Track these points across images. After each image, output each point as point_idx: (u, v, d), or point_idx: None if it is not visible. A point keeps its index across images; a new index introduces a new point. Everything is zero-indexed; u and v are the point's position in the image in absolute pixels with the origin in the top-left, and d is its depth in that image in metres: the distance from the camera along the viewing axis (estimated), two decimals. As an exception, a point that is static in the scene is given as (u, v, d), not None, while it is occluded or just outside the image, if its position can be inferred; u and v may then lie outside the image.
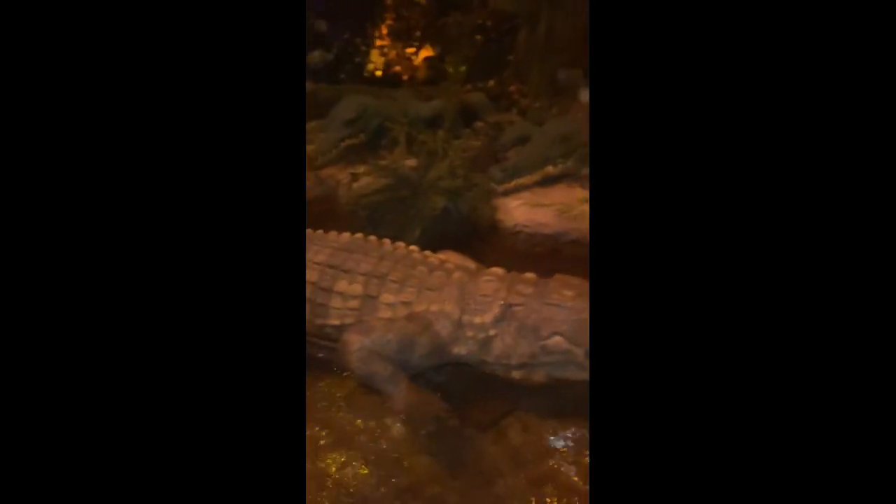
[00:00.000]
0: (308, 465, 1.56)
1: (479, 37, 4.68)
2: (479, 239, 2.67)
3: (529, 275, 1.85)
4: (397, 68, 5.56)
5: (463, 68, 4.69)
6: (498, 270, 1.90)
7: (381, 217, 2.65)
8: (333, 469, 1.60)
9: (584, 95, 3.96)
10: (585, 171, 2.95)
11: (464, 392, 1.86)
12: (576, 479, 1.62)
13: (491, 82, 4.30)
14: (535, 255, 2.61)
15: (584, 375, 1.71)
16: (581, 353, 1.69)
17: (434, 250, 2.11)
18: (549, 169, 2.89)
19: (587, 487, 1.59)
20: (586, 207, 2.65)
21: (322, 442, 1.67)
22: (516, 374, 1.79)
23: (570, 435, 1.75)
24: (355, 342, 1.75)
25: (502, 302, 1.76)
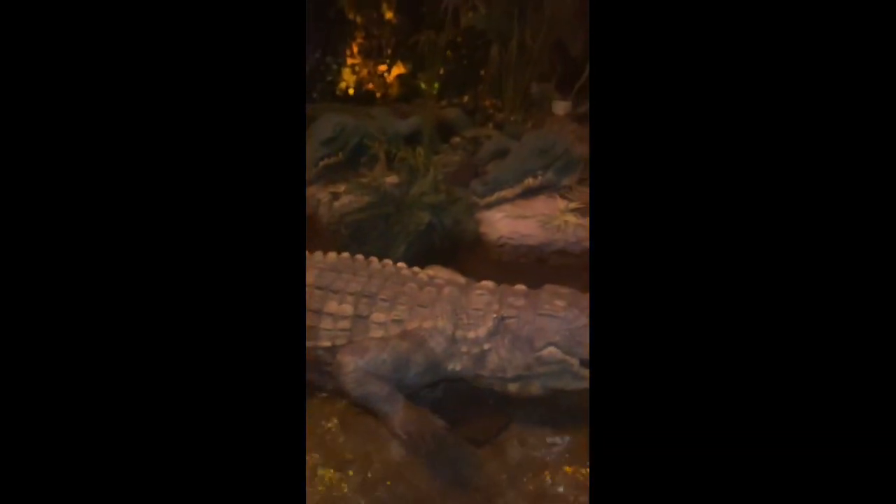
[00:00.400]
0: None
1: (449, 52, 4.75)
2: (464, 252, 2.68)
3: (520, 286, 1.86)
4: (370, 86, 5.59)
5: (436, 84, 4.75)
6: (488, 284, 1.90)
7: (365, 235, 2.63)
8: (330, 491, 1.56)
9: (558, 108, 4.07)
10: (565, 181, 3.01)
11: (460, 408, 1.84)
12: (574, 491, 1.62)
13: (465, 98, 4.36)
14: (521, 266, 2.63)
15: (580, 385, 1.73)
16: (576, 362, 1.70)
17: (420, 265, 2.10)
18: (529, 181, 2.93)
19: (586, 500, 1.59)
20: (568, 217, 2.70)
21: (319, 470, 1.63)
22: (512, 387, 1.79)
23: (567, 442, 1.76)
24: (350, 363, 1.72)
25: (495, 315, 1.76)
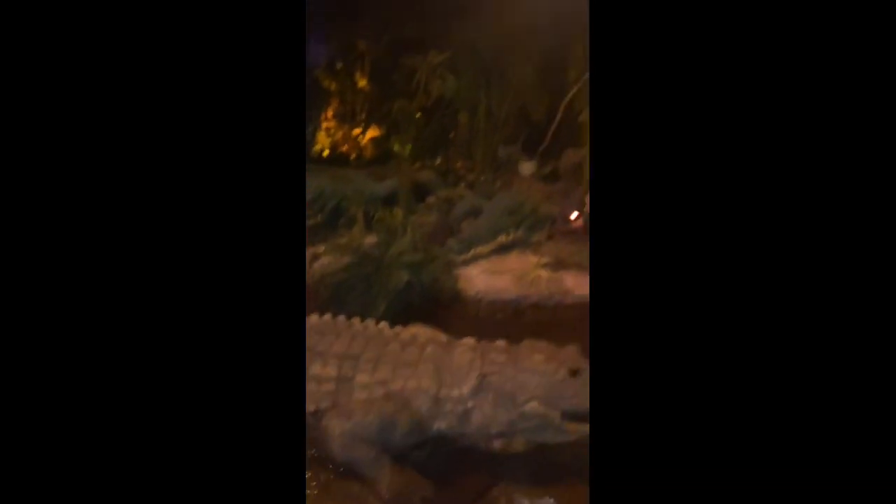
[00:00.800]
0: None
1: (419, 115, 5.02)
2: (442, 309, 2.75)
3: (501, 342, 1.93)
4: (344, 148, 5.80)
5: (409, 146, 4.98)
6: (469, 341, 1.96)
7: (345, 295, 2.67)
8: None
9: (524, 169, 4.33)
10: (534, 238, 3.17)
11: (446, 467, 1.85)
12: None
13: (438, 160, 4.59)
14: (498, 321, 2.71)
15: (563, 438, 1.77)
16: (557, 416, 1.75)
17: (399, 323, 2.15)
18: (502, 238, 3.08)
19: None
20: (541, 273, 2.83)
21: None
22: (497, 444, 1.81)
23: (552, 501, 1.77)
24: (336, 427, 1.72)
25: (478, 372, 1.81)
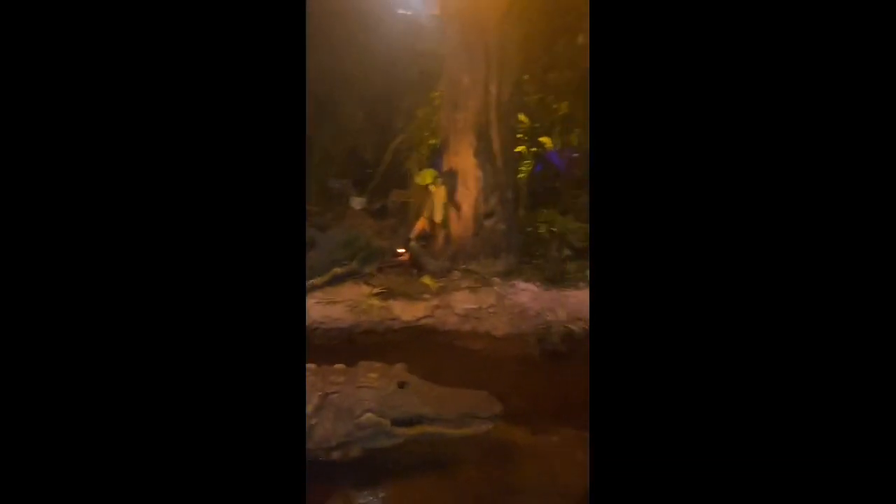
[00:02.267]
0: None
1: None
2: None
3: (339, 366, 2.21)
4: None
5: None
6: (311, 365, 2.19)
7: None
8: None
9: (355, 203, 4.68)
10: (367, 269, 3.52)
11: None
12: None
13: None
14: (334, 347, 2.96)
15: (393, 441, 2.13)
16: (388, 423, 2.10)
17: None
18: (337, 270, 3.35)
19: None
20: (373, 301, 3.18)
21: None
22: (335, 455, 2.08)
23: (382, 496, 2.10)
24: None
25: (320, 392, 2.07)
